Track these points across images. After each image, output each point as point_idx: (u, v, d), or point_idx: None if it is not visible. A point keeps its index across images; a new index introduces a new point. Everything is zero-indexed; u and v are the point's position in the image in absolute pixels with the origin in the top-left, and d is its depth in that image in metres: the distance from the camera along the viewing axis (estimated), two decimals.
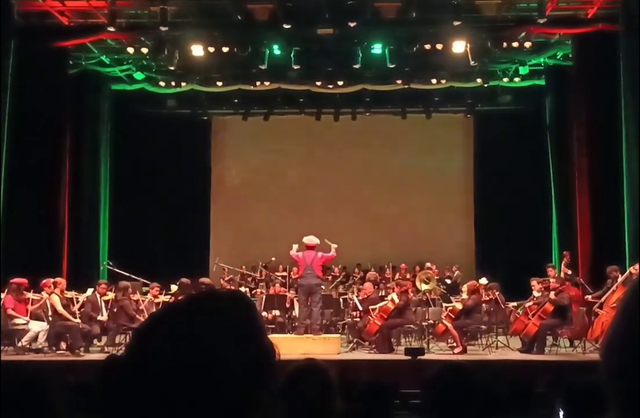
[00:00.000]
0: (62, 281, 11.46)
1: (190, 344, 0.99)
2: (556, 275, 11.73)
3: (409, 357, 9.93)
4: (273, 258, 17.34)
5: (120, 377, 1.02)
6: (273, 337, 9.20)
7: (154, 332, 1.04)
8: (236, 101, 18.28)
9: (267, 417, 1.07)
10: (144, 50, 14.56)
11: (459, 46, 14.23)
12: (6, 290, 11.11)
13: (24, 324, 10.92)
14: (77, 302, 11.47)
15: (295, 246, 11.49)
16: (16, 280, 11.17)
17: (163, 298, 12.27)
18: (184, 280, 12.29)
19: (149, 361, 1.00)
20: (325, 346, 10.66)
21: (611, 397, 0.93)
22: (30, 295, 11.31)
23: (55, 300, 10.99)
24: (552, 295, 10.74)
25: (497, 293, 12.13)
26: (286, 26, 13.47)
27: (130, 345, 1.06)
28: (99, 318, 11.33)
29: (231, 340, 1.01)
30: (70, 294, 11.54)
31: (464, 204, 19.86)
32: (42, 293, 11.44)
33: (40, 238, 13.58)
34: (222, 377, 0.99)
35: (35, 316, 11.23)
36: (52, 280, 11.46)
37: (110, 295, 12.05)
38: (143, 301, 11.89)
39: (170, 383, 0.98)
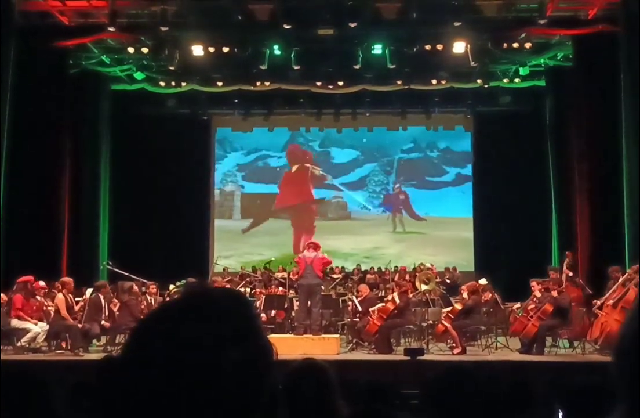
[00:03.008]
0: (70, 282, 11.26)
1: (187, 343, 0.99)
2: (557, 277, 11.70)
3: (408, 358, 9.92)
4: (273, 258, 17.38)
5: (116, 377, 1.01)
6: (272, 337, 9.20)
7: (149, 331, 1.03)
8: (236, 101, 18.30)
9: (268, 417, 1.07)
10: (144, 50, 14.57)
11: (459, 47, 14.24)
12: (14, 289, 11.07)
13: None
14: (77, 304, 11.38)
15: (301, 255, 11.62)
16: (23, 278, 11.13)
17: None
18: (190, 279, 12.29)
19: (144, 360, 0.99)
20: (324, 347, 10.65)
21: (621, 397, 0.94)
22: (40, 298, 11.27)
23: (61, 301, 10.91)
24: (555, 293, 10.73)
25: (495, 294, 12.14)
26: (286, 26, 13.48)
27: (126, 345, 1.05)
28: (103, 322, 11.19)
29: (228, 339, 1.00)
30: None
31: (463, 205, 19.86)
32: (37, 296, 11.39)
33: (40, 238, 13.59)
34: (219, 376, 0.99)
35: (36, 317, 11.19)
36: (61, 279, 11.43)
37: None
38: (150, 304, 11.83)
39: (166, 383, 0.97)
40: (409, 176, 20.37)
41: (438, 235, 19.61)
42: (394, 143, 20.32)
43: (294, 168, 20.59)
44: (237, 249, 19.72)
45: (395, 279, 14.81)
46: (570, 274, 11.97)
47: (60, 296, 10.95)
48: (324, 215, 20.41)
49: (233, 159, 20.68)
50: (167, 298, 12.02)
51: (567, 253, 12.53)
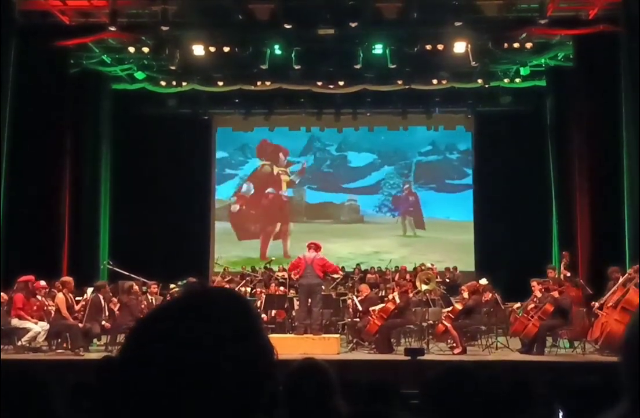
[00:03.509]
0: (70, 281, 11.25)
1: (186, 343, 0.99)
2: (555, 276, 11.72)
3: (408, 357, 9.92)
4: (273, 258, 17.39)
5: (115, 377, 1.01)
6: (272, 337, 9.19)
7: (149, 331, 1.03)
8: (237, 100, 18.31)
9: (269, 417, 1.07)
10: (145, 49, 14.56)
11: (459, 47, 14.24)
12: (15, 288, 11.07)
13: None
14: (77, 303, 11.38)
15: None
16: (24, 277, 11.13)
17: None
18: (191, 279, 12.27)
19: (144, 360, 0.99)
20: (324, 347, 10.65)
21: (628, 395, 0.95)
22: (40, 298, 11.26)
23: (61, 300, 10.91)
24: (555, 293, 10.72)
25: (496, 294, 12.14)
26: (287, 26, 13.48)
27: (124, 345, 1.05)
28: (103, 323, 11.17)
29: (228, 339, 1.00)
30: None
31: (464, 204, 19.85)
32: (38, 296, 11.39)
33: (40, 238, 13.58)
34: (219, 376, 0.99)
35: (37, 316, 11.20)
36: (62, 279, 11.43)
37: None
38: (151, 304, 11.82)
39: (166, 382, 0.97)
40: (428, 179, 20.20)
41: (449, 239, 19.43)
42: (411, 146, 20.16)
43: (263, 166, 20.57)
44: (229, 251, 19.65)
45: (396, 279, 14.83)
46: (568, 274, 11.97)
47: (60, 295, 10.95)
48: (337, 218, 20.35)
49: (254, 164, 20.66)
50: (168, 298, 12.03)
51: (564, 253, 12.52)
